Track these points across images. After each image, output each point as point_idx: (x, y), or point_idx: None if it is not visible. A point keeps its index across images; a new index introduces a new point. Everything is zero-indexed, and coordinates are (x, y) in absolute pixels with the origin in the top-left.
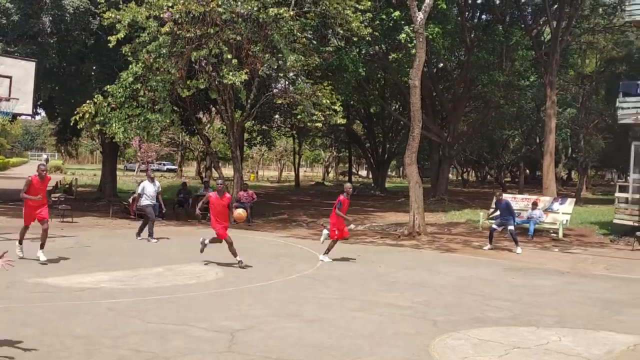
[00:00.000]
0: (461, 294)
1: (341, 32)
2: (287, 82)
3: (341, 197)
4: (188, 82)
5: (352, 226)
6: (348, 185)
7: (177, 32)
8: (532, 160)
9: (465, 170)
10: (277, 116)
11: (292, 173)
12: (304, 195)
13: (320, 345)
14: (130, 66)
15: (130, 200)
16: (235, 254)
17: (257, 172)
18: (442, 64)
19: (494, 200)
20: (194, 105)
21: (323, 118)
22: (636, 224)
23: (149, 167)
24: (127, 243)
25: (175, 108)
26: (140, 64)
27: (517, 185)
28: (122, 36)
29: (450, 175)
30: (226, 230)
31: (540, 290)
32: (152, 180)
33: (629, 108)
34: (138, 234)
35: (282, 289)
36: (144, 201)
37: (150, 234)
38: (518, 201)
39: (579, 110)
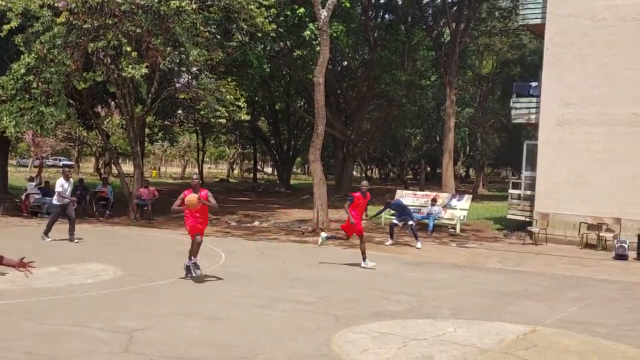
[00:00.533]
0: (362, 289)
1: (245, 27)
2: (190, 77)
3: (356, 193)
4: (84, 75)
5: (256, 223)
6: (364, 182)
7: (73, 22)
8: (433, 158)
9: (369, 167)
10: (179, 111)
11: (196, 170)
12: None
13: (221, 343)
14: (22, 57)
15: (23, 197)
16: (194, 255)
17: (159, 169)
18: (346, 62)
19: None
20: (91, 98)
21: (227, 114)
22: (527, 219)
23: (42, 161)
24: (20, 241)
25: (71, 101)
26: (33, 55)
27: (418, 183)
28: (15, 25)
29: (354, 172)
30: (199, 230)
31: (438, 284)
32: (67, 178)
33: (521, 108)
34: (70, 237)
35: (184, 287)
36: (55, 201)
37: (46, 232)
38: (419, 198)
39: (477, 110)
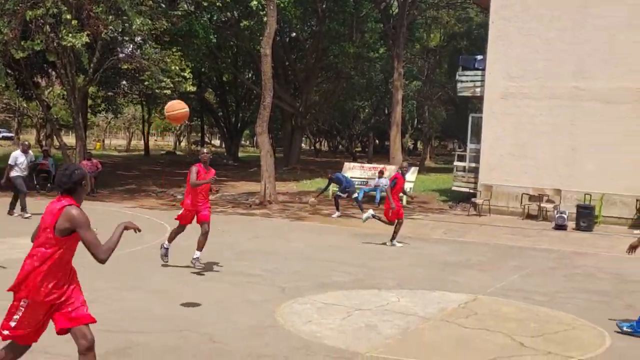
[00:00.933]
0: (309, 261)
1: None
2: (133, 47)
3: (396, 174)
4: (23, 43)
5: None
6: (405, 163)
7: None
8: (381, 130)
9: (317, 140)
10: (123, 82)
11: (142, 142)
12: (154, 165)
13: (165, 316)
14: None
15: None
16: (200, 247)
17: (103, 141)
18: (294, 34)
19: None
20: (30, 68)
21: (172, 85)
22: (472, 191)
23: None
24: None
25: (10, 71)
26: None
27: (366, 155)
28: None
29: (303, 144)
30: (195, 215)
31: (384, 255)
32: (25, 151)
33: (467, 81)
34: (10, 210)
35: (128, 261)
36: (14, 173)
37: (23, 208)
38: (366, 170)
39: (424, 83)
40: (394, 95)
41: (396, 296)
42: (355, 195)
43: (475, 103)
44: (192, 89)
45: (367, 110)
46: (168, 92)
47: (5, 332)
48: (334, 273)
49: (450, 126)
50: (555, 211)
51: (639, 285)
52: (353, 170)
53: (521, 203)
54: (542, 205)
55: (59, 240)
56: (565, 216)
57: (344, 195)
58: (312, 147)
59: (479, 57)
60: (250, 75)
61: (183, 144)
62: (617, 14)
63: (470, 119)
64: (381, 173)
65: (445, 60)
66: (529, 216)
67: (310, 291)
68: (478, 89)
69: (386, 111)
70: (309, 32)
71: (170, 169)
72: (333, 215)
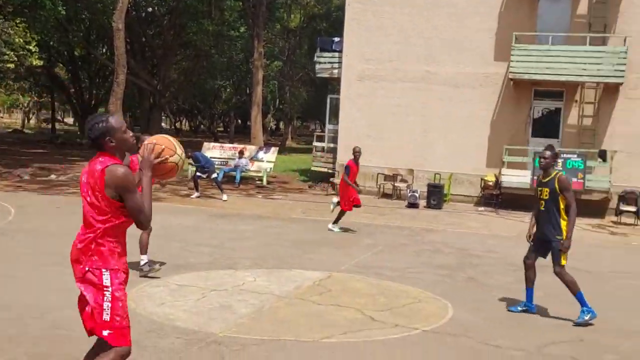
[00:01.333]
0: (165, 242)
1: None
2: None
3: (349, 161)
4: None
5: (52, 176)
6: (356, 147)
7: None
8: (243, 110)
9: (178, 119)
10: None
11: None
12: (0, 144)
13: (6, 304)
14: None
15: None
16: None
17: None
18: (150, 9)
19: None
20: None
21: (16, 58)
22: (330, 171)
23: None
24: None
25: None
26: None
27: (228, 135)
28: None
29: (163, 124)
30: None
31: (242, 235)
32: None
33: (325, 63)
34: None
35: None
36: None
37: None
38: (226, 150)
39: (285, 63)
40: (255, 75)
41: (252, 276)
42: (215, 175)
43: (334, 84)
44: (39, 63)
45: (228, 90)
46: (12, 65)
47: (106, 332)
48: (190, 254)
49: (311, 107)
50: (408, 190)
51: (480, 259)
52: (212, 150)
53: (377, 182)
54: (396, 184)
55: (113, 202)
56: (417, 195)
57: (204, 176)
58: (173, 127)
59: (337, 39)
60: (104, 50)
61: (32, 121)
62: (465, 1)
63: (328, 100)
64: (241, 153)
65: (305, 41)
66: (384, 195)
67: (165, 273)
68: (336, 71)
69: (248, 91)
70: (166, 7)
71: (17, 148)
72: (192, 196)
